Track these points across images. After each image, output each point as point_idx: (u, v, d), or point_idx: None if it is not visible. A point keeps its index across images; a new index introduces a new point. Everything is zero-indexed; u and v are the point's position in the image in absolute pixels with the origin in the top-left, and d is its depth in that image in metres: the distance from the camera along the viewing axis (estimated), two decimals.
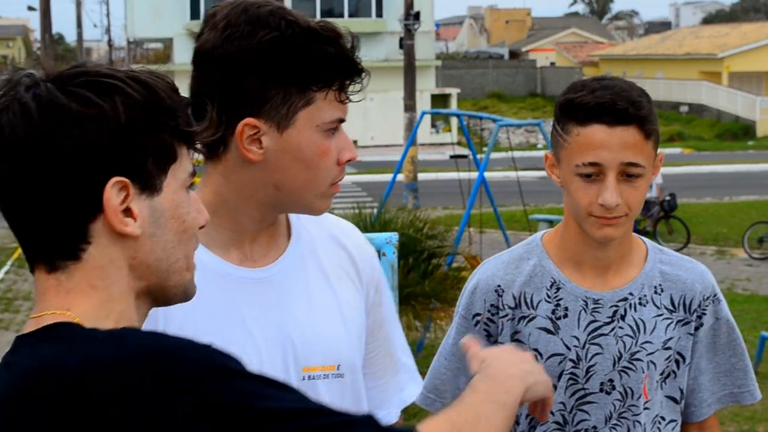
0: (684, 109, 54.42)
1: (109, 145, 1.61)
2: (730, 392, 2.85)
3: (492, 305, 2.80)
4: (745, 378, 2.86)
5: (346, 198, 23.55)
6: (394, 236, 4.90)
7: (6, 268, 18.48)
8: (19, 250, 13.62)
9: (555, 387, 2.71)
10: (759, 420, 9.66)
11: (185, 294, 1.77)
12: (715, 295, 2.81)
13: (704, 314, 2.78)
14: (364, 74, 2.20)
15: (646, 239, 2.89)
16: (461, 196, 17.39)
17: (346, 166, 2.29)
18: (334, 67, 2.13)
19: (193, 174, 1.76)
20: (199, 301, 1.92)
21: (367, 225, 12.30)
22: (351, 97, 2.22)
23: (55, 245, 1.64)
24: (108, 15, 75.49)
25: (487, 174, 16.20)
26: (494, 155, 17.42)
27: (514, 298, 2.79)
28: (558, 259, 2.80)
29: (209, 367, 1.54)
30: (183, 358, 1.54)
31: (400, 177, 20.94)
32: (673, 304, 2.77)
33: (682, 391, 2.80)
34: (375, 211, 15.01)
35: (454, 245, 14.87)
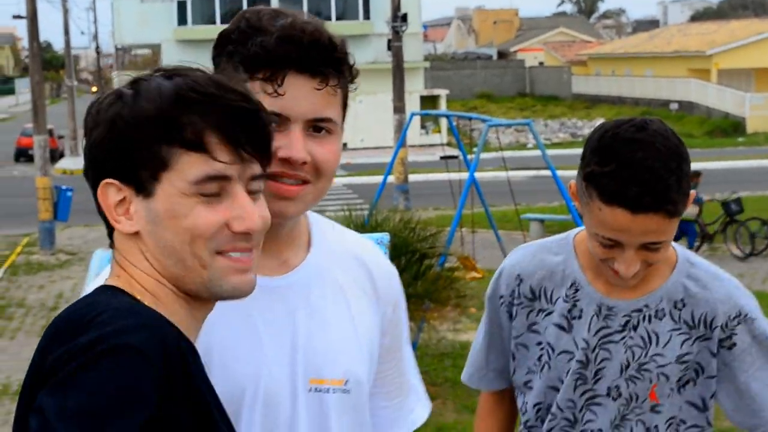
0: (674, 106, 54.49)
1: (107, 149, 1.76)
2: None
3: (512, 291, 2.87)
4: None
5: (336, 200, 23.61)
6: (385, 236, 4.90)
7: None
8: (12, 258, 13.58)
9: (562, 381, 2.77)
10: None
11: (211, 290, 1.80)
12: (745, 315, 2.73)
13: (734, 334, 2.72)
14: None
15: (679, 249, 2.82)
16: (452, 197, 17.39)
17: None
18: None
19: (208, 180, 1.74)
20: (217, 305, 1.92)
21: (357, 227, 12.30)
22: None
23: (106, 226, 1.85)
24: (95, 22, 75.13)
25: (477, 174, 16.21)
26: (484, 155, 17.41)
27: (532, 289, 2.84)
28: (584, 260, 2.80)
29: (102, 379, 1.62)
30: None
31: (391, 179, 20.97)
32: (693, 320, 2.72)
33: (704, 400, 2.77)
34: (366, 213, 15.03)
35: (445, 246, 14.87)
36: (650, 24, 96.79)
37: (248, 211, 1.78)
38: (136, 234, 1.78)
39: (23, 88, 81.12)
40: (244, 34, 2.21)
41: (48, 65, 43.08)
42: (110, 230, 1.84)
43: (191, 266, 1.78)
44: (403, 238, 12.49)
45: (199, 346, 2.03)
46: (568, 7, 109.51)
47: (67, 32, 54.72)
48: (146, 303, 1.77)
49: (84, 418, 1.57)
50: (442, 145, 32.80)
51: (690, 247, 19.64)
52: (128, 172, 1.76)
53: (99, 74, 72.76)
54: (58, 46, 64.68)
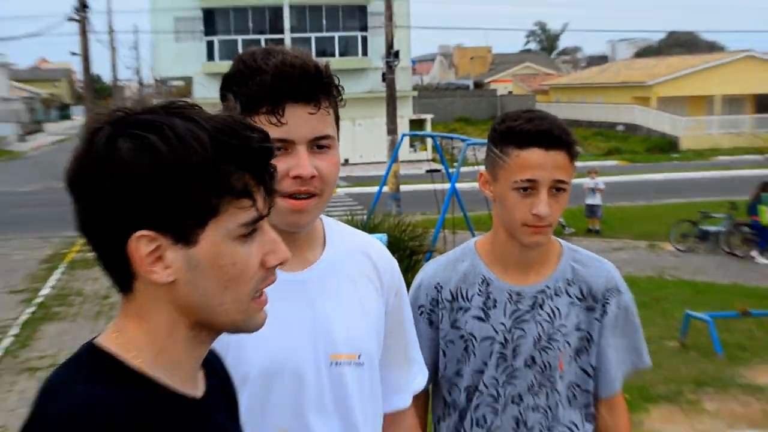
0: (620, 128, 54.33)
1: (132, 196, 1.47)
2: (631, 362, 2.89)
3: (433, 299, 2.84)
4: (642, 351, 2.91)
5: (340, 207, 23.53)
6: (383, 237, 5.02)
7: (61, 269, 18.33)
8: (71, 255, 13.53)
9: (486, 364, 2.77)
10: (684, 382, 9.77)
11: (241, 329, 1.62)
12: (617, 289, 2.83)
13: (608, 304, 2.80)
14: None
15: (562, 241, 2.90)
16: (436, 204, 17.41)
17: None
18: None
19: (251, 224, 1.54)
20: None
21: (357, 228, 12.35)
22: None
23: (113, 276, 1.58)
24: (137, 58, 75.31)
25: (458, 185, 16.21)
26: (463, 169, 17.41)
27: (451, 293, 2.82)
28: (488, 260, 2.84)
29: None
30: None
31: (385, 189, 20.92)
32: (582, 294, 2.79)
33: (593, 366, 2.81)
34: (365, 217, 15.06)
35: (431, 244, 14.92)
36: (601, 59, 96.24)
37: (279, 243, 1.60)
38: (171, 283, 1.53)
39: (77, 114, 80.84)
40: (243, 75, 2.19)
41: (98, 94, 42.67)
42: (122, 280, 1.57)
43: (227, 310, 1.57)
44: (395, 237, 12.54)
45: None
46: (533, 45, 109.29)
47: (114, 67, 54.72)
48: (144, 358, 1.57)
49: None
50: (428, 160, 32.63)
51: (760, 249, 18.81)
52: (168, 222, 1.49)
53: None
54: (107, 78, 64.61)
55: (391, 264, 2.51)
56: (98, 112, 1.56)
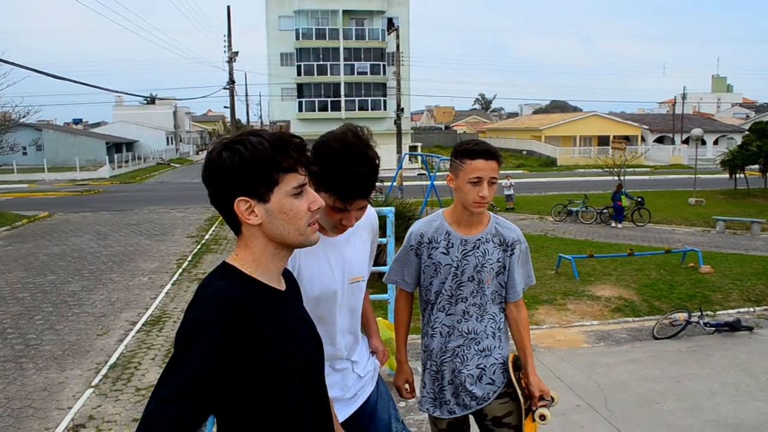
0: (524, 152, 53.99)
1: (232, 180, 1.50)
2: (526, 281, 2.81)
3: (418, 242, 2.75)
4: (532, 275, 2.83)
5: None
6: (392, 209, 4.88)
7: (216, 225, 18.40)
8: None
9: (446, 279, 2.69)
10: (557, 293, 9.67)
11: (304, 245, 1.60)
12: (520, 240, 2.74)
13: (515, 248, 2.72)
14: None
15: (490, 213, 2.78)
16: (422, 192, 17.38)
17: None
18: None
19: (299, 187, 1.55)
20: (313, 250, 1.91)
21: (379, 204, 12.31)
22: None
23: (231, 225, 1.59)
24: (260, 110, 75.00)
25: (435, 182, 16.19)
26: (438, 173, 17.34)
27: (429, 239, 2.74)
28: (450, 221, 2.76)
29: (189, 339, 1.43)
30: (194, 324, 1.45)
31: (395, 183, 20.91)
32: (501, 242, 2.72)
33: (505, 282, 2.75)
34: (383, 198, 14.95)
35: (419, 214, 14.86)
36: (514, 114, 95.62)
37: (317, 197, 1.60)
38: (259, 225, 1.55)
39: None
40: (337, 174, 2.09)
41: (238, 130, 42.79)
42: (235, 227, 1.58)
43: (293, 234, 1.56)
44: (399, 210, 12.46)
45: (299, 270, 2.12)
46: (477, 106, 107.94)
47: (247, 114, 54.59)
48: (250, 269, 1.56)
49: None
50: (419, 168, 32.59)
51: (615, 220, 18.37)
52: (253, 191, 1.51)
53: None
54: (244, 121, 64.77)
55: (375, 216, 2.46)
56: (215, 139, 1.61)
